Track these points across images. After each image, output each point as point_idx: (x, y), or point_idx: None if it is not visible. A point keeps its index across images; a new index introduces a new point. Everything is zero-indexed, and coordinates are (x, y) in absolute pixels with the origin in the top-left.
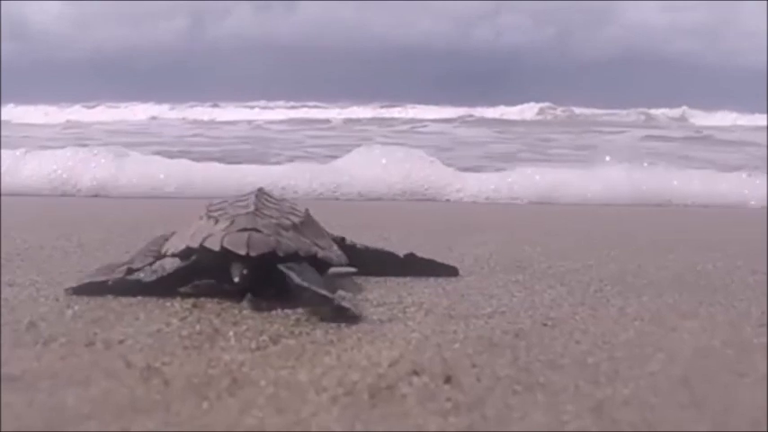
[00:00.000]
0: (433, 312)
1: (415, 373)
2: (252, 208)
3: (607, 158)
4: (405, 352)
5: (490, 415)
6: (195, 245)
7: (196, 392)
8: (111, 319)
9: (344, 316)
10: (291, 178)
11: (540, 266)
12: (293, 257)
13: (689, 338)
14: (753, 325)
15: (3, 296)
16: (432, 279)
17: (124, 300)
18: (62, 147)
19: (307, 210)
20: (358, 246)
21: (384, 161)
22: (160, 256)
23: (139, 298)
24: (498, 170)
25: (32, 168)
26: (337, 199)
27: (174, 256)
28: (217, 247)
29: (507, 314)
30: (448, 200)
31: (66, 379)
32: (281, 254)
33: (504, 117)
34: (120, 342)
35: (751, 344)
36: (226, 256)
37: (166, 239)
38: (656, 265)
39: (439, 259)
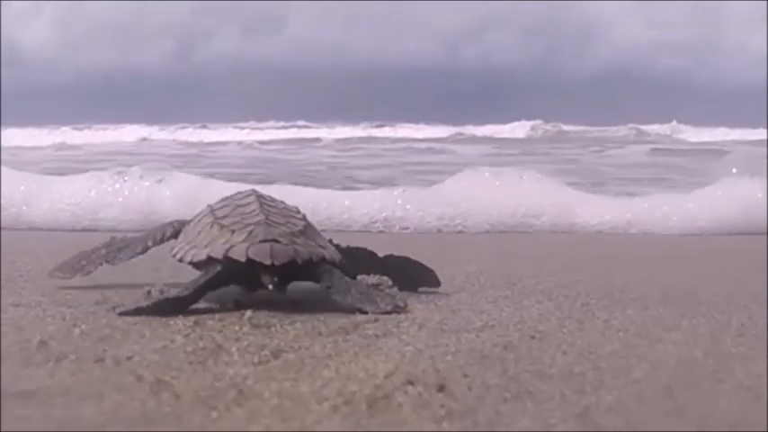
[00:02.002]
0: (426, 327)
1: (410, 383)
2: (262, 216)
3: (734, 170)
4: (400, 364)
5: (481, 421)
6: (218, 255)
7: (205, 404)
8: (118, 337)
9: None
10: (396, 208)
11: None
12: (308, 262)
13: (672, 349)
14: (732, 335)
15: (10, 316)
16: (424, 295)
17: (129, 318)
18: (75, 172)
19: (297, 208)
20: (342, 246)
21: (498, 183)
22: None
23: (143, 317)
24: (629, 195)
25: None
26: (461, 232)
27: (191, 264)
28: (243, 258)
29: (497, 328)
30: (571, 230)
31: (79, 393)
32: (299, 261)
33: (497, 135)
34: (129, 358)
35: (730, 353)
36: (250, 265)
37: (166, 234)
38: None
39: None
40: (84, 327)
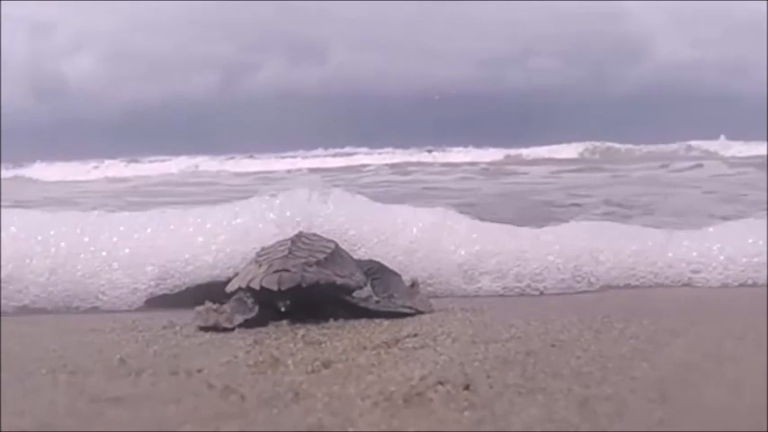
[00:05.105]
0: (459, 340)
1: (440, 383)
2: (287, 252)
3: None
4: (433, 369)
5: (498, 410)
6: (244, 285)
7: (267, 404)
8: (188, 355)
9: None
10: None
11: None
12: (315, 287)
13: (674, 352)
14: (733, 339)
15: (90, 340)
16: (460, 312)
17: (195, 339)
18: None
19: (335, 243)
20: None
21: None
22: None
23: (207, 337)
24: None
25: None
26: None
27: (231, 293)
28: (257, 287)
29: (522, 338)
30: None
31: (160, 399)
32: (304, 285)
33: (549, 156)
34: (199, 371)
35: (727, 356)
36: (264, 293)
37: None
38: None
39: None
40: (156, 347)
